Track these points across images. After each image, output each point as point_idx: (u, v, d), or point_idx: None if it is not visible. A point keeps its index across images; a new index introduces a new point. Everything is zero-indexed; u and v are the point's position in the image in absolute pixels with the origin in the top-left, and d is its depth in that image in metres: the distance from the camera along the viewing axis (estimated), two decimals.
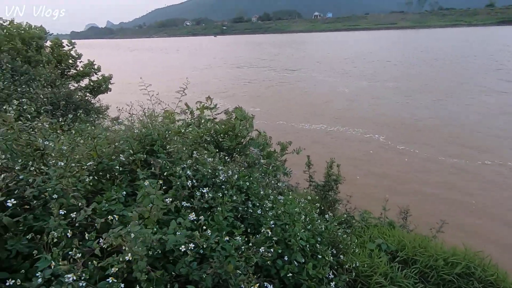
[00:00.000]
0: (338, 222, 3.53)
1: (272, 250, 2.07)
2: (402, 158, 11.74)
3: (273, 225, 2.45)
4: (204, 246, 2.02)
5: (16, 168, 1.75)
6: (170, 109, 4.83)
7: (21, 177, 1.69)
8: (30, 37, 10.10)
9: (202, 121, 5.02)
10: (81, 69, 11.24)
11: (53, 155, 2.19)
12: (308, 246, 2.46)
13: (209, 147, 3.39)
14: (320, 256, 2.44)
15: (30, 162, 2.02)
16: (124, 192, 2.16)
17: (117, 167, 2.39)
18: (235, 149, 4.92)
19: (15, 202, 1.58)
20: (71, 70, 11.27)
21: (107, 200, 2.19)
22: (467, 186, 9.58)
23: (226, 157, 3.53)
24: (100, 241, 1.51)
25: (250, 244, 2.07)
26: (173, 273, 1.86)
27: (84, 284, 1.33)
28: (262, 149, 5.03)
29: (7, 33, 9.75)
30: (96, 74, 11.43)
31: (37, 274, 1.35)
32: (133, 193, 2.48)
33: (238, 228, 2.38)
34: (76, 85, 10.76)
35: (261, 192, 3.05)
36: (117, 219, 1.86)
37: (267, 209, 2.68)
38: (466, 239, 4.65)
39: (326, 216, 3.25)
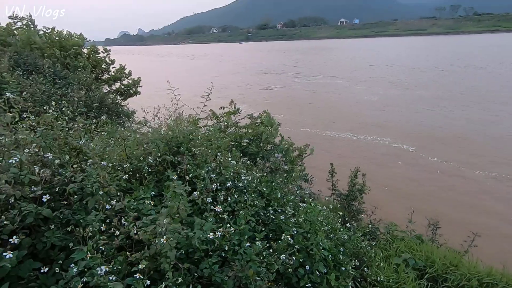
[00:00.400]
0: (362, 233, 3.42)
1: (294, 258, 2.04)
2: (433, 170, 11.13)
3: (295, 232, 2.42)
4: (226, 248, 2.05)
5: (56, 162, 1.87)
6: (195, 114, 4.95)
7: (61, 172, 1.81)
8: (70, 44, 10.83)
9: (228, 126, 5.10)
10: (113, 73, 11.91)
11: (88, 154, 2.32)
12: (330, 256, 2.40)
13: (233, 151, 3.42)
14: (343, 268, 2.37)
15: (67, 159, 2.16)
16: (153, 193, 2.23)
17: (146, 167, 2.48)
18: (258, 154, 4.94)
19: (49, 197, 1.69)
20: (104, 74, 11.97)
21: (135, 199, 2.28)
22: (504, 199, 8.93)
23: (249, 162, 3.55)
24: (132, 235, 1.57)
25: (271, 250, 2.06)
26: (195, 274, 1.89)
27: (114, 278, 1.39)
28: (284, 154, 5.02)
29: (49, 40, 10.54)
30: (126, 78, 12.05)
31: (71, 265, 1.43)
32: (159, 193, 2.57)
33: (259, 233, 2.39)
34: (108, 88, 11.39)
35: (283, 198, 3.04)
36: (146, 218, 1.93)
37: (288, 215, 2.65)
38: (504, 257, 4.30)
39: (349, 226, 3.15)
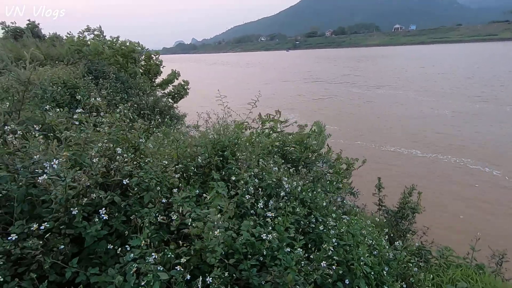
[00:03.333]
0: (410, 254, 3.16)
1: (334, 268, 1.97)
2: None
3: (335, 244, 2.34)
4: (264, 253, 2.07)
5: (118, 157, 2.09)
6: (241, 120, 5.11)
7: (125, 167, 2.02)
8: (129, 51, 11.96)
9: (271, 132, 5.16)
10: (165, 78, 12.88)
11: (145, 152, 2.55)
12: (373, 273, 2.26)
13: (276, 158, 3.45)
14: (386, 287, 2.22)
15: (127, 156, 2.40)
16: (197, 191, 2.36)
17: (193, 168, 2.63)
18: (301, 161, 4.90)
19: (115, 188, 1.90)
20: (157, 78, 13.00)
21: (182, 198, 2.43)
22: None
23: (291, 169, 3.54)
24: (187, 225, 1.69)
25: (310, 260, 2.02)
26: (234, 275, 1.94)
27: (161, 269, 1.50)
28: (330, 166, 4.89)
29: (112, 49, 11.77)
30: (176, 79, 12.93)
31: (127, 247, 1.58)
32: (203, 193, 2.70)
33: (297, 241, 2.36)
34: (161, 92, 12.33)
35: (326, 208, 2.96)
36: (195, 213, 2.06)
37: (329, 226, 2.58)
38: None
39: (396, 244, 2.94)
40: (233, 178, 2.60)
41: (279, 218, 2.38)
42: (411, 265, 2.65)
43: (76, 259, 1.55)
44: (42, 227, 1.46)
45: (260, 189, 2.68)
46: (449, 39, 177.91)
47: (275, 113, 5.75)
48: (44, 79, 6.51)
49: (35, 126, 2.25)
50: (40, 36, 17.25)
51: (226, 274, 1.87)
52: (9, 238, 1.39)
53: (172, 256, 1.71)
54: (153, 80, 12.67)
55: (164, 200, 1.96)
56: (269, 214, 2.47)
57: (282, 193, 2.78)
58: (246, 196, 2.44)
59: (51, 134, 2.72)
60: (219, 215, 1.77)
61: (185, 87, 12.39)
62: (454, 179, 10.88)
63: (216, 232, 1.63)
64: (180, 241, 1.99)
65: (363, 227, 2.66)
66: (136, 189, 2.02)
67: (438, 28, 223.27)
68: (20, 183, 1.60)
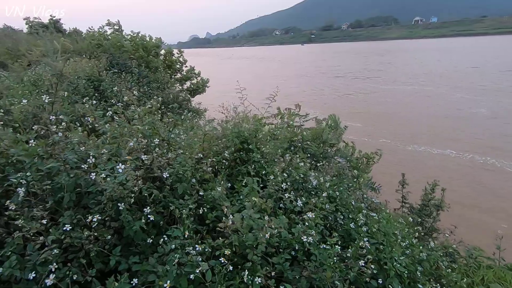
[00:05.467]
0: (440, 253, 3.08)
1: (372, 267, 1.95)
2: None
3: (366, 242, 2.31)
4: (296, 248, 2.07)
5: (156, 149, 2.13)
6: (260, 114, 5.09)
7: (160, 160, 2.06)
8: (150, 46, 12.13)
9: (290, 126, 5.13)
10: (185, 73, 13.01)
11: (175, 146, 2.59)
12: (406, 273, 2.22)
13: (300, 153, 3.42)
14: (420, 286, 2.18)
15: (158, 149, 2.44)
16: (229, 184, 2.37)
17: (223, 161, 2.65)
18: (318, 155, 4.85)
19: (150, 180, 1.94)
20: (177, 74, 13.14)
21: (211, 190, 2.46)
22: None
23: (316, 164, 3.51)
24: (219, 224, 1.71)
25: (345, 256, 2.00)
26: (266, 268, 1.95)
27: (200, 259, 1.52)
28: (348, 160, 4.83)
29: (134, 43, 11.95)
30: (196, 78, 13.05)
31: (164, 238, 1.62)
32: (231, 187, 2.71)
33: (326, 237, 2.34)
34: (180, 87, 12.48)
35: (352, 204, 2.92)
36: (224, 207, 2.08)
37: (359, 223, 2.54)
38: None
39: (427, 243, 2.87)
40: (263, 172, 2.59)
41: (310, 214, 2.36)
42: (443, 265, 2.58)
43: (118, 248, 1.60)
44: (94, 219, 1.51)
45: (288, 184, 2.67)
46: (473, 32, 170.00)
47: (295, 107, 5.71)
48: (69, 72, 6.71)
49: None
50: (62, 31, 17.79)
51: (258, 266, 1.89)
52: (64, 228, 1.45)
53: (208, 249, 1.74)
54: (173, 75, 12.82)
55: (201, 193, 1.98)
56: (298, 209, 2.46)
57: (310, 188, 2.76)
58: (279, 191, 2.43)
59: (80, 125, 2.81)
60: (255, 212, 1.77)
61: (204, 84, 12.50)
62: (487, 181, 10.32)
63: (260, 234, 1.64)
64: (212, 234, 2.03)
65: (394, 226, 2.60)
66: (170, 180, 2.05)
67: (462, 20, 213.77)
68: (71, 174, 1.66)
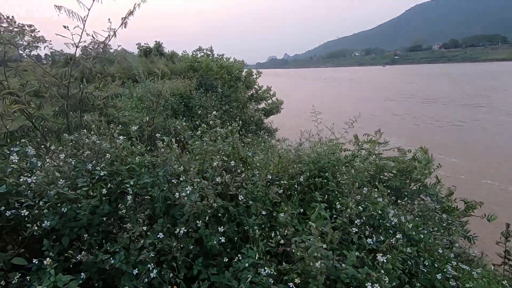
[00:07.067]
0: None
1: None
2: None
3: None
4: None
5: (233, 169, 2.31)
6: (336, 139, 4.94)
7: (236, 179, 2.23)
8: (235, 69, 13.19)
9: (370, 154, 4.83)
10: (261, 93, 13.65)
11: (252, 165, 2.75)
12: None
13: (380, 186, 3.20)
14: None
15: (239, 168, 2.63)
16: (302, 210, 2.38)
17: (296, 186, 2.68)
18: (401, 191, 4.41)
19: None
20: (254, 94, 13.90)
21: (284, 212, 2.50)
22: None
23: (396, 199, 3.22)
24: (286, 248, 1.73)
25: None
26: None
27: (272, 281, 1.57)
28: (439, 201, 4.24)
29: (220, 66, 13.18)
30: (271, 98, 13.56)
31: (239, 256, 1.71)
32: (303, 212, 2.70)
33: (405, 283, 2.11)
34: (256, 107, 13.14)
35: (439, 252, 2.56)
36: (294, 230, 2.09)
37: (447, 275, 2.21)
38: None
39: None
40: (337, 204, 2.51)
41: (380, 256, 2.18)
42: None
43: (201, 258, 1.77)
44: (181, 232, 1.73)
45: (364, 218, 2.52)
46: None
47: (375, 134, 5.36)
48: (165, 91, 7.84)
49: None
50: (163, 54, 21.04)
51: None
52: (158, 236, 1.70)
53: (274, 272, 1.77)
54: (252, 97, 13.53)
55: (264, 212, 2.05)
56: (371, 247, 2.29)
57: (388, 226, 2.54)
58: (349, 224, 2.33)
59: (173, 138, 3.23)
60: (323, 244, 1.73)
61: (278, 105, 12.87)
62: None
63: (317, 264, 1.60)
64: (279, 258, 2.05)
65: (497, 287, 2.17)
66: (245, 199, 2.18)
67: None
68: (163, 188, 1.96)
